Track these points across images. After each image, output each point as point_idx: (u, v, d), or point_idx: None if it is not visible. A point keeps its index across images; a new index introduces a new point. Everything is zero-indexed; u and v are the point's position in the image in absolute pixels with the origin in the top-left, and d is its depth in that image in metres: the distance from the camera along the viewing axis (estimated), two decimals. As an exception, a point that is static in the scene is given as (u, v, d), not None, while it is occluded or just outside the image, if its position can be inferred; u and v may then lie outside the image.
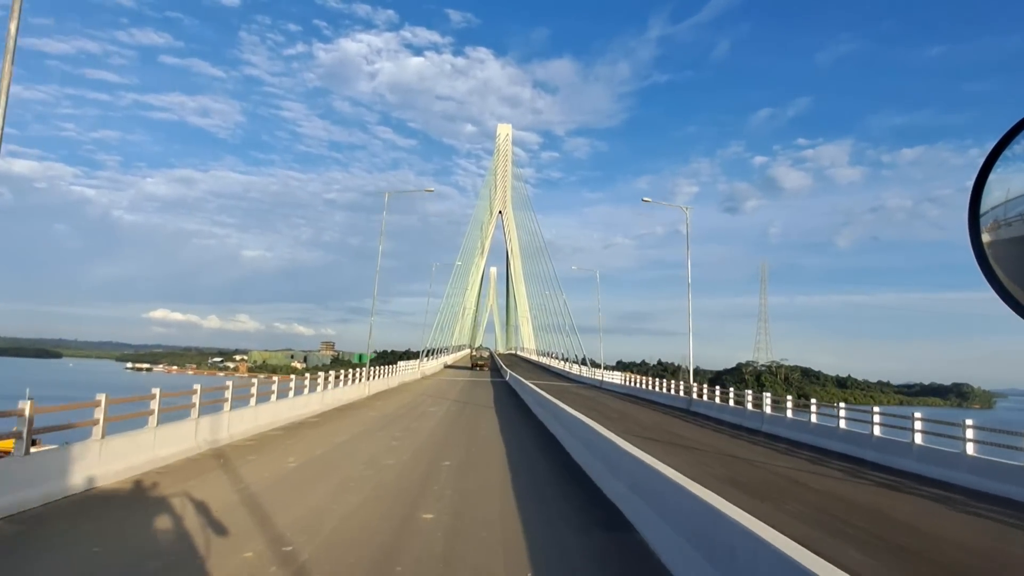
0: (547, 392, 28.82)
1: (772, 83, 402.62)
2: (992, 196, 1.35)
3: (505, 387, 45.22)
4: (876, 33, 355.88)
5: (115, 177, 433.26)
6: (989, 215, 1.35)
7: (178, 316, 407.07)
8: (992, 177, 1.36)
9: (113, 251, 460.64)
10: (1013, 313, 1.28)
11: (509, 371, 60.48)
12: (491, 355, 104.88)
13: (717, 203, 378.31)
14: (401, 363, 56.70)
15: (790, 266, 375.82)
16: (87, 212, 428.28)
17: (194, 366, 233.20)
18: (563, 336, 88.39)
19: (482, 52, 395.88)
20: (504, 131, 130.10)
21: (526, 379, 43.92)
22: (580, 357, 72.25)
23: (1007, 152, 1.34)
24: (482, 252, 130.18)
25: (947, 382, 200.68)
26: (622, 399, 37.90)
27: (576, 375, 68.14)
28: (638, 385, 46.63)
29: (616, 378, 57.42)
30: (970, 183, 1.38)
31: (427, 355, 71.25)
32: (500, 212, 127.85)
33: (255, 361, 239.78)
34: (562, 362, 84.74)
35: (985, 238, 1.35)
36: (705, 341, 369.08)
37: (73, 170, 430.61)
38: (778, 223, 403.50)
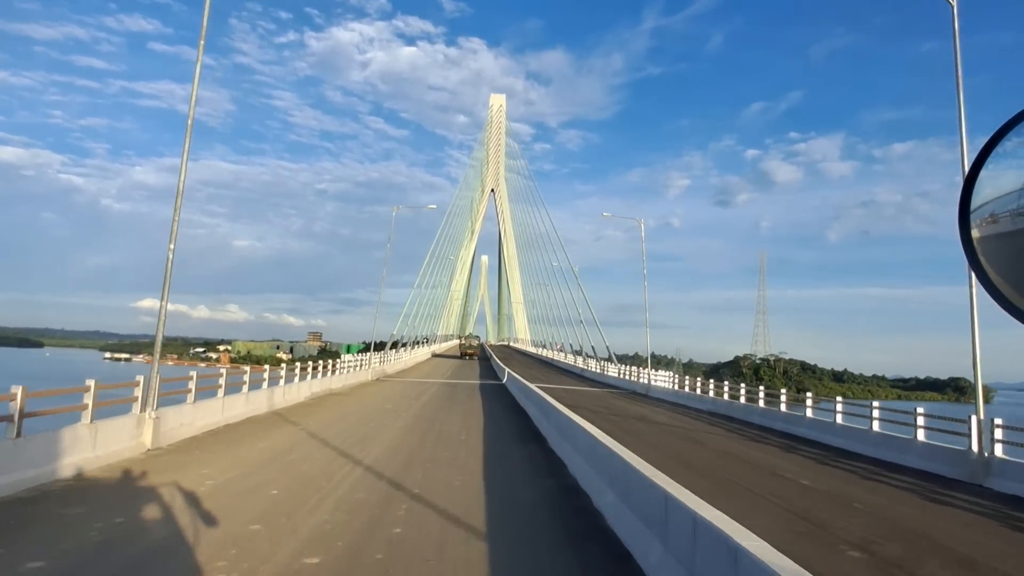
0: (586, 417, 12.06)
1: (765, 77, 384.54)
2: (982, 193, 1.29)
3: (504, 400, 25.08)
4: (870, 28, 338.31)
5: (103, 165, 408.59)
6: (979, 212, 1.29)
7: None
8: (983, 174, 1.29)
9: (101, 240, 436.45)
10: (1001, 309, 1.23)
11: (507, 368, 39.60)
12: (481, 345, 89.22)
13: (709, 196, 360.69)
14: (348, 357, 35.56)
15: (780, 260, 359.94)
16: (75, 200, 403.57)
17: (175, 356, 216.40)
18: (569, 328, 67.81)
19: (475, 42, 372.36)
20: (497, 102, 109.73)
21: (533, 382, 26.41)
22: (597, 351, 51.79)
23: (998, 149, 1.26)
24: (472, 234, 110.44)
25: (929, 376, 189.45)
26: (751, 439, 17.13)
27: (595, 374, 47.55)
28: (702, 392, 26.57)
29: (661, 380, 36.59)
30: (960, 179, 1.32)
31: (394, 347, 50.34)
32: (493, 190, 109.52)
33: (239, 352, 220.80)
34: (570, 356, 64.01)
35: (975, 234, 1.28)
36: (697, 334, 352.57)
37: (61, 158, 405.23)
38: (769, 217, 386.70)
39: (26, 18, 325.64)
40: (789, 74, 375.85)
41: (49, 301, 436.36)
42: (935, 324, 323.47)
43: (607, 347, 50.91)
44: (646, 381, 36.34)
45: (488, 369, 52.29)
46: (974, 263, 1.27)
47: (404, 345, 55.21)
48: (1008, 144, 1.26)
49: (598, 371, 48.34)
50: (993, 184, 1.28)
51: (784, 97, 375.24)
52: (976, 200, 1.30)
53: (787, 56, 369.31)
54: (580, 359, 57.84)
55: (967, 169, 1.34)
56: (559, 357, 67.90)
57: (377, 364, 38.91)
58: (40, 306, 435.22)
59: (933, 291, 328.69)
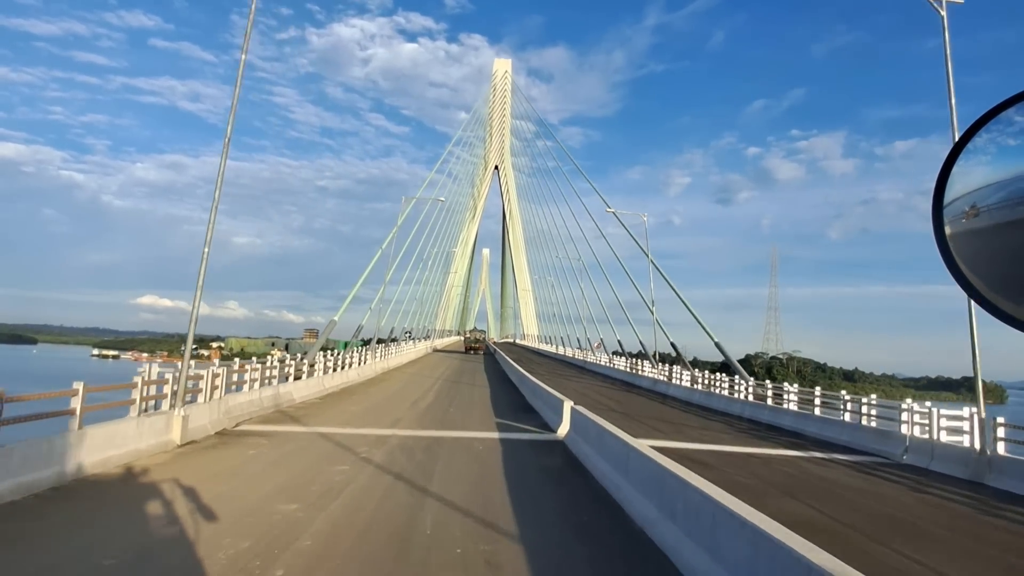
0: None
1: (767, 74, 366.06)
2: (954, 189, 1.24)
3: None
4: (872, 25, 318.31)
5: (104, 162, 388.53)
6: (951, 208, 1.23)
7: (166, 302, 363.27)
8: (955, 170, 1.24)
9: (102, 236, 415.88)
10: (976, 305, 1.20)
11: (549, 389, 15.95)
12: (484, 340, 76.19)
13: (710, 194, 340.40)
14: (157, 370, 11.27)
15: (781, 258, 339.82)
16: (76, 197, 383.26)
17: (165, 353, 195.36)
18: (579, 325, 47.56)
19: (476, 39, 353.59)
20: (502, 67, 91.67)
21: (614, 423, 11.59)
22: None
23: (969, 146, 1.23)
24: (474, 216, 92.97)
25: (940, 375, 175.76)
26: None
27: (698, 396, 24.30)
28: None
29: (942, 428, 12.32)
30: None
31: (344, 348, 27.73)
32: (496, 167, 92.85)
33: (231, 348, 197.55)
34: (614, 359, 40.92)
35: (947, 231, 1.22)
36: (698, 332, 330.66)
37: (61, 154, 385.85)
38: (770, 215, 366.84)
39: (26, 14, 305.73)
40: (791, 71, 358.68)
41: (48, 297, 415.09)
42: (937, 323, 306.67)
43: (719, 350, 27.69)
44: (904, 429, 12.61)
45: (500, 380, 29.21)
46: (947, 259, 1.21)
47: (366, 343, 31.81)
48: (979, 140, 1.21)
49: (695, 387, 25.05)
50: (964, 181, 1.22)
51: (786, 95, 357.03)
52: (948, 196, 1.24)
53: (789, 53, 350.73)
54: (647, 365, 34.62)
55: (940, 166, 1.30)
56: (601, 360, 44.57)
57: (248, 392, 15.30)
58: (39, 302, 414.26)
59: (935, 289, 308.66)
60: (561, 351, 65.47)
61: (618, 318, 48.24)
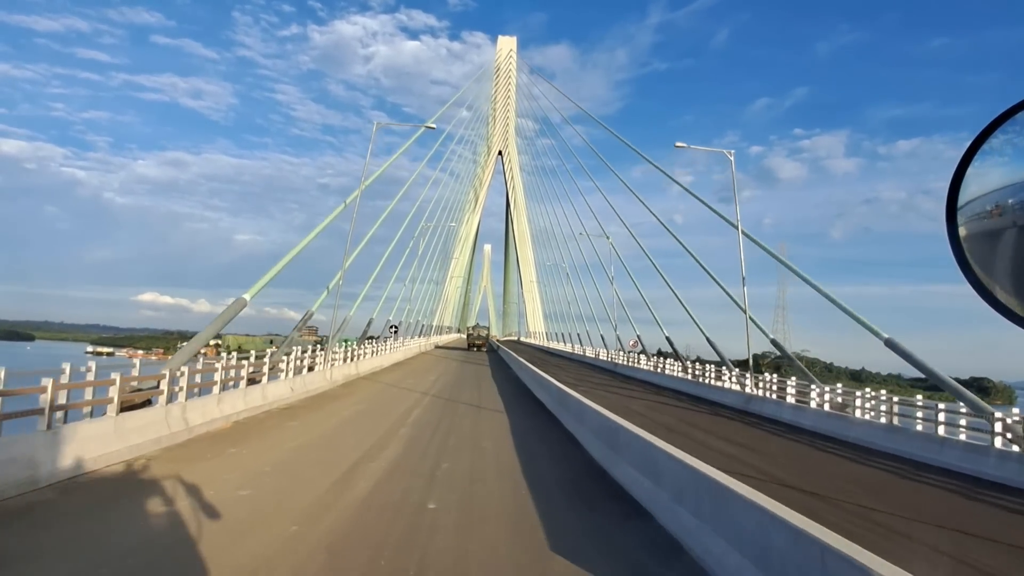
0: None
1: (771, 73, 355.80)
2: (969, 191, 1.21)
3: None
4: (877, 24, 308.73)
5: (106, 159, 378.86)
6: (966, 209, 1.21)
7: (168, 300, 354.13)
8: (970, 171, 1.21)
9: (103, 233, 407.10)
10: (989, 307, 1.16)
11: (741, 491, 5.63)
12: (487, 337, 71.28)
13: (712, 193, 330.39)
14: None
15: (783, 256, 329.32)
16: (77, 194, 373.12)
17: (161, 351, 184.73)
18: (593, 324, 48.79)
19: (479, 37, 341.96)
20: (507, 45, 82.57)
21: None
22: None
23: (985, 147, 1.20)
24: (476, 206, 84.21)
25: (948, 376, 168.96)
26: None
27: (847, 424, 14.15)
28: None
29: None
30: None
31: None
32: (500, 153, 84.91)
33: (228, 346, 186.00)
34: (666, 363, 31.49)
35: (962, 232, 1.20)
36: (696, 330, 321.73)
37: (63, 151, 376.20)
38: (772, 214, 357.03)
39: (28, 10, 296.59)
40: (794, 70, 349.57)
41: (50, 294, 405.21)
42: (941, 323, 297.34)
43: (897, 349, 17.67)
44: None
45: (520, 397, 20.49)
46: (961, 261, 1.20)
47: (305, 351, 21.62)
48: (995, 141, 1.18)
49: (845, 413, 15.24)
50: (979, 182, 1.19)
51: (789, 93, 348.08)
52: (963, 197, 1.22)
53: (793, 52, 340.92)
54: (729, 374, 24.84)
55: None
56: (640, 363, 35.01)
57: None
58: (41, 299, 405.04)
59: (938, 289, 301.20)
60: (579, 351, 55.71)
61: (669, 318, 38.61)
